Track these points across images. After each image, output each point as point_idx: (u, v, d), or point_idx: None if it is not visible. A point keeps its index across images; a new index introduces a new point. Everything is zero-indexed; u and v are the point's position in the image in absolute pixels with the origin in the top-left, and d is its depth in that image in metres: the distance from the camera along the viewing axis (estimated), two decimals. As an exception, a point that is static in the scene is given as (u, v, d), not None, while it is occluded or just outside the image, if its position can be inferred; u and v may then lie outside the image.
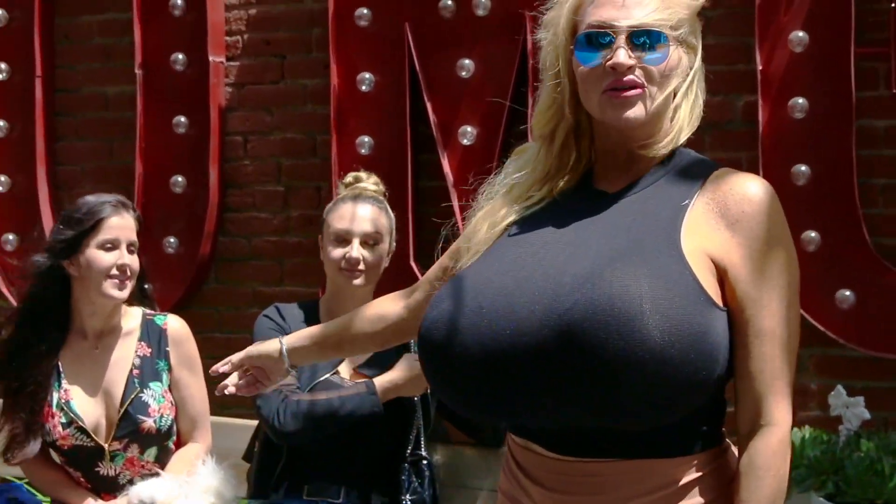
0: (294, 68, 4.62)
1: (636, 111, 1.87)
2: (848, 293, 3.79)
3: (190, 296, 4.66)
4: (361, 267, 3.31)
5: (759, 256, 1.83)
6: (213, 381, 3.53)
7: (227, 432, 3.68)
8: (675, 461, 1.84)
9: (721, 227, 1.85)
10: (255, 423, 3.77)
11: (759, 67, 3.90)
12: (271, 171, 4.64)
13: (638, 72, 1.87)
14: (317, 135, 4.56)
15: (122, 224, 3.30)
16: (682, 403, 1.78)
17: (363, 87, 4.39)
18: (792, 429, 3.31)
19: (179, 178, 4.65)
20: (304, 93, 4.61)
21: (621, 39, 1.86)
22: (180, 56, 4.65)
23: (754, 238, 1.84)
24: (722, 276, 1.83)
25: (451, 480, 3.52)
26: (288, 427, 3.16)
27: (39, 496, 3.58)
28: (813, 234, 3.81)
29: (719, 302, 1.81)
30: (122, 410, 3.27)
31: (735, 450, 1.91)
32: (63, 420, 3.24)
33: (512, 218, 1.97)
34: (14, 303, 4.60)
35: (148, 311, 3.44)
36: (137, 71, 4.69)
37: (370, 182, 3.45)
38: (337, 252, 3.32)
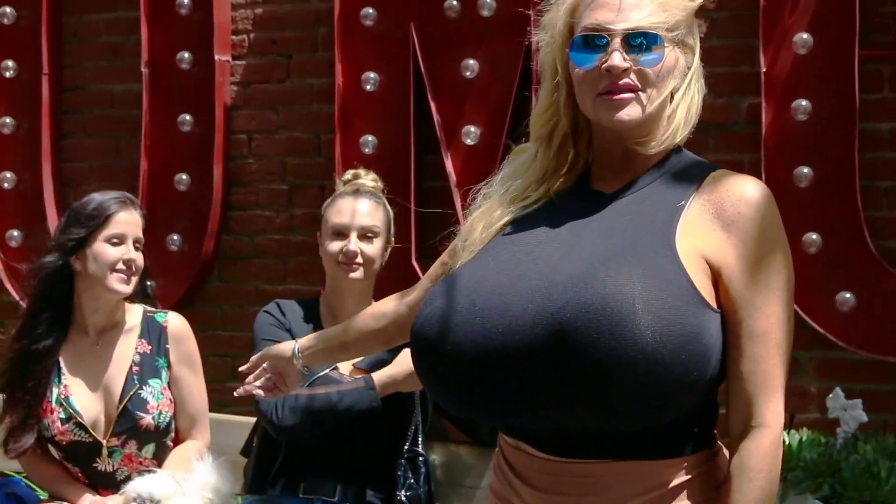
0: (300, 67, 4.63)
1: (630, 113, 1.87)
2: (849, 296, 3.79)
3: (193, 293, 4.67)
4: (359, 260, 3.32)
5: (754, 258, 1.83)
6: (212, 379, 3.57)
7: (226, 429, 3.69)
8: (665, 463, 1.84)
9: (716, 229, 1.84)
10: (253, 420, 3.79)
11: (763, 69, 3.89)
12: (276, 169, 4.65)
13: (633, 74, 1.87)
14: (322, 134, 4.57)
15: (129, 220, 3.33)
16: (673, 404, 1.77)
17: (368, 87, 4.40)
18: (789, 431, 3.35)
19: (184, 176, 4.66)
20: (309, 92, 4.62)
21: (616, 42, 1.86)
22: (186, 55, 4.66)
23: (749, 239, 1.83)
24: (716, 277, 1.83)
25: (447, 479, 3.52)
26: (286, 422, 3.16)
27: (38, 491, 3.59)
28: (815, 236, 3.81)
29: (713, 303, 1.81)
30: (121, 407, 3.28)
31: (727, 452, 1.90)
32: (62, 415, 3.26)
33: (508, 218, 1.97)
34: (17, 298, 4.63)
35: (149, 308, 3.45)
36: (144, 69, 4.71)
37: (368, 178, 3.47)
38: (334, 246, 3.34)
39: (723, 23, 4.04)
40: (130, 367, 3.33)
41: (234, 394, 2.48)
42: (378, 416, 3.21)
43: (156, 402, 3.31)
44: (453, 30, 4.31)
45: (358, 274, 3.33)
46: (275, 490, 3.26)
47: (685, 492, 1.84)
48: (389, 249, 3.47)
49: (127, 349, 3.35)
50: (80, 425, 3.26)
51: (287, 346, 2.36)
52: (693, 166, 1.95)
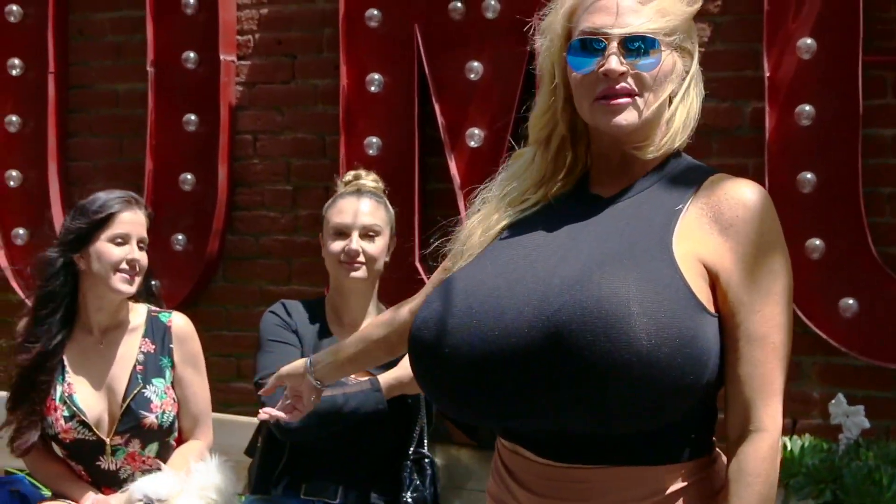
0: (305, 68, 4.64)
1: (627, 117, 1.87)
2: (851, 302, 3.79)
3: (197, 293, 4.68)
4: (361, 259, 3.32)
5: (752, 261, 1.82)
6: (216, 379, 3.58)
7: (229, 429, 3.70)
8: (663, 469, 1.84)
9: (714, 232, 1.84)
10: (257, 420, 3.80)
11: (767, 74, 3.89)
12: (280, 170, 4.66)
13: (630, 78, 1.87)
14: (326, 135, 4.58)
15: (133, 220, 3.33)
16: (669, 407, 1.77)
17: (372, 88, 4.40)
18: (791, 436, 3.35)
19: (189, 176, 4.67)
20: (314, 93, 4.62)
21: (613, 46, 1.86)
22: (192, 54, 4.67)
23: (747, 243, 1.83)
24: (714, 281, 1.82)
25: (449, 482, 3.53)
26: (292, 424, 3.15)
27: (42, 489, 3.60)
28: (817, 241, 3.81)
29: (710, 308, 1.81)
30: (125, 406, 3.29)
31: (725, 459, 1.89)
32: (65, 413, 3.27)
33: (506, 222, 1.98)
34: (23, 296, 4.64)
35: (153, 307, 3.46)
36: (149, 69, 4.71)
37: (369, 179, 3.47)
38: (336, 245, 3.34)
39: (727, 27, 4.04)
40: (134, 367, 3.34)
41: (258, 418, 2.53)
42: (384, 419, 3.21)
43: (159, 401, 3.32)
44: (457, 32, 4.31)
45: (360, 273, 3.33)
46: (277, 490, 3.26)
47: (682, 498, 1.84)
48: (392, 249, 3.47)
49: (131, 348, 3.36)
50: (84, 423, 3.27)
51: (300, 363, 2.39)
52: (691, 170, 1.95)
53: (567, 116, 1.96)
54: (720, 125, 4.01)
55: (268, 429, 3.32)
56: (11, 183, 4.93)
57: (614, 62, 1.85)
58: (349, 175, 3.52)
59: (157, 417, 3.30)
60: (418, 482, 3.30)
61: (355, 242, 3.33)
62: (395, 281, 3.77)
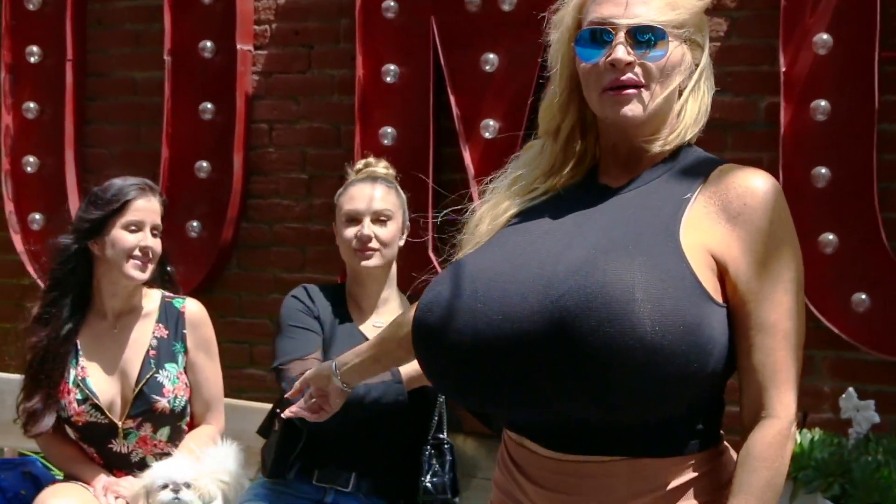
0: (321, 58, 4.65)
1: (633, 109, 1.87)
2: (864, 297, 3.79)
3: (211, 280, 4.70)
4: (374, 245, 3.31)
5: (761, 249, 1.81)
6: (229, 365, 3.60)
7: (241, 415, 3.71)
8: (671, 461, 1.82)
9: (722, 221, 1.83)
10: (269, 406, 3.81)
11: (783, 69, 3.89)
12: (296, 159, 4.68)
13: (637, 69, 1.86)
14: (342, 125, 4.59)
15: (147, 207, 3.35)
16: (672, 396, 1.76)
17: (388, 79, 4.42)
18: (801, 430, 3.35)
19: (204, 164, 4.69)
20: (330, 83, 4.64)
21: (621, 36, 1.86)
22: (209, 43, 4.69)
23: (756, 231, 1.82)
24: (723, 272, 1.81)
25: (460, 471, 3.52)
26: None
27: (53, 471, 3.63)
28: (831, 236, 3.81)
29: (718, 298, 1.79)
30: (137, 390, 3.31)
31: (733, 452, 1.88)
32: (79, 396, 3.29)
33: (514, 210, 1.97)
34: (38, 281, 4.67)
35: (167, 293, 3.48)
36: (166, 57, 4.73)
37: (380, 166, 3.47)
38: (349, 232, 3.34)
39: (743, 22, 4.04)
40: (147, 351, 3.36)
41: (283, 415, 2.51)
42: (403, 408, 3.20)
43: (172, 385, 3.34)
44: (473, 24, 4.32)
45: (373, 261, 3.33)
46: (289, 475, 3.26)
47: (691, 490, 1.83)
48: (406, 234, 3.47)
49: (144, 333, 3.38)
50: (97, 406, 3.29)
51: (325, 366, 2.40)
52: (701, 161, 1.94)
53: (576, 108, 1.96)
54: (735, 119, 4.01)
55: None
56: (28, 169, 4.97)
57: (621, 52, 1.85)
58: (360, 163, 3.53)
59: (168, 402, 3.32)
60: (437, 467, 3.29)
61: (367, 227, 3.32)
62: (410, 272, 3.78)
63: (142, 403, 3.31)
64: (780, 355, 1.81)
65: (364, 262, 3.33)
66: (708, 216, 1.84)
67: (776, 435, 1.81)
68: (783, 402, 1.81)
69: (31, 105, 4.97)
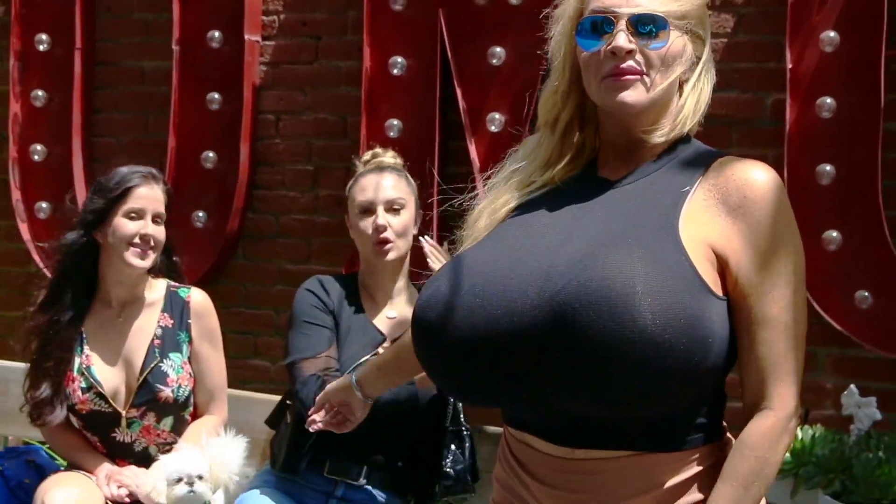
0: (329, 50, 4.66)
1: (634, 95, 1.86)
2: (867, 294, 3.79)
3: (217, 270, 4.72)
4: (390, 235, 3.28)
5: (761, 242, 1.80)
6: (233, 356, 3.61)
7: (245, 405, 3.72)
8: (674, 455, 1.81)
9: (722, 214, 1.82)
10: (273, 397, 3.82)
11: (789, 66, 3.89)
12: (302, 150, 4.69)
13: (638, 57, 1.86)
14: (348, 116, 4.60)
15: (149, 195, 3.35)
16: (674, 390, 1.74)
17: (395, 71, 4.42)
18: (803, 426, 3.35)
19: (211, 154, 4.71)
20: (337, 74, 4.65)
21: (622, 24, 1.86)
22: (217, 34, 4.70)
23: (756, 224, 1.80)
24: (723, 266, 1.80)
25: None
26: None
27: (58, 460, 3.64)
28: (835, 233, 3.81)
29: (718, 291, 1.78)
30: (141, 379, 3.32)
31: None
32: (83, 385, 3.30)
33: (513, 204, 1.97)
34: (45, 269, 4.69)
35: (172, 283, 3.49)
36: (174, 47, 4.74)
37: (388, 156, 3.46)
38: (364, 223, 3.31)
39: (750, 18, 4.04)
40: (152, 340, 3.37)
41: (311, 429, 2.53)
42: (417, 406, 3.19)
43: (176, 375, 3.35)
44: (481, 17, 4.33)
45: (392, 255, 3.29)
46: (301, 465, 3.24)
47: (695, 485, 1.82)
48: (419, 221, 3.44)
49: (149, 322, 3.39)
50: (101, 395, 3.30)
51: (345, 381, 2.41)
52: (700, 153, 1.93)
53: (575, 99, 1.95)
54: (741, 116, 4.01)
55: (297, 408, 3.30)
56: (36, 157, 4.98)
57: (622, 39, 1.85)
58: (367, 154, 3.50)
59: (172, 391, 3.33)
60: (458, 452, 3.28)
61: (381, 217, 3.29)
62: (415, 263, 3.79)
63: (146, 393, 3.32)
64: (781, 349, 1.80)
65: (384, 259, 3.29)
66: (707, 209, 1.83)
67: (771, 427, 1.80)
68: (781, 395, 1.80)
69: (40, 93, 4.98)
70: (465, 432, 3.31)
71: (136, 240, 3.30)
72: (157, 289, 3.45)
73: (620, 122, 1.92)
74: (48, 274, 3.72)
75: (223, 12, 4.71)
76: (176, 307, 3.43)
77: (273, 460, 3.31)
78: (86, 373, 3.31)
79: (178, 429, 3.38)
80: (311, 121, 4.67)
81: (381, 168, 3.39)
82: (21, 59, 5.01)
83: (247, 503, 3.21)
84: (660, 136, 1.90)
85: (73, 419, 3.38)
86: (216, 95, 4.70)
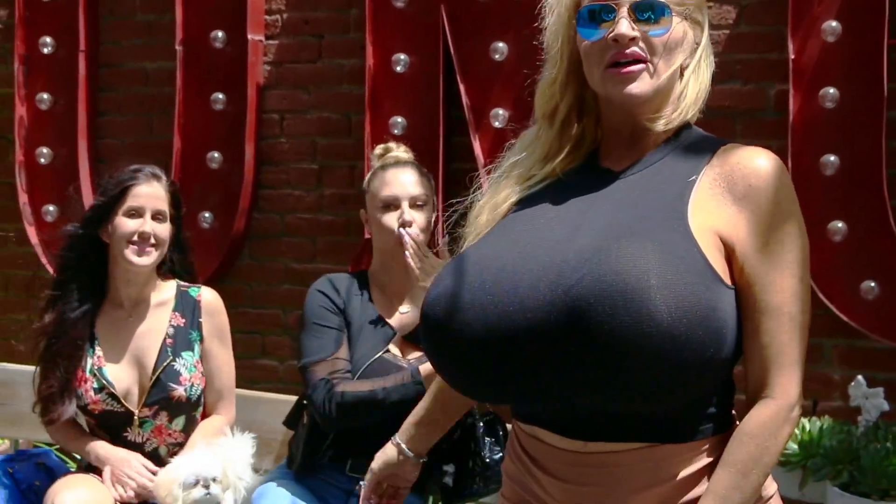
0: (331, 48, 4.67)
1: (640, 86, 1.86)
2: (873, 284, 3.79)
3: (223, 271, 4.73)
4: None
5: (767, 231, 1.79)
6: (240, 356, 3.62)
7: (252, 405, 3.73)
8: (686, 446, 1.81)
9: (728, 203, 1.81)
10: (281, 397, 3.83)
11: (792, 56, 3.89)
12: (306, 149, 4.69)
13: (641, 44, 1.85)
14: (352, 115, 4.60)
15: (148, 193, 3.35)
16: (689, 383, 1.73)
17: (398, 69, 4.43)
18: (811, 418, 3.35)
19: (216, 154, 4.71)
20: (340, 73, 4.65)
21: (623, 11, 1.85)
22: (220, 34, 4.70)
23: (761, 212, 1.80)
24: (730, 253, 1.79)
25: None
26: (333, 417, 3.14)
27: (68, 462, 3.65)
28: (840, 224, 3.80)
29: (727, 280, 1.77)
30: (154, 378, 3.32)
31: None
32: (95, 385, 3.31)
33: (514, 199, 1.95)
34: (52, 272, 4.70)
35: (182, 282, 3.50)
36: (178, 47, 4.75)
37: (401, 150, 3.43)
38: (389, 218, 3.26)
39: (752, 9, 4.04)
40: (164, 340, 3.38)
41: None
42: None
43: (188, 374, 3.36)
44: (483, 12, 4.33)
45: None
46: (322, 460, 3.22)
47: (706, 476, 1.81)
48: (434, 218, 3.41)
49: (161, 322, 3.40)
50: (113, 395, 3.31)
51: (389, 450, 2.35)
52: (703, 141, 1.92)
53: (574, 89, 1.94)
54: (744, 107, 4.01)
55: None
56: (42, 160, 4.99)
57: (625, 26, 1.84)
58: (380, 148, 3.46)
59: (185, 390, 3.34)
60: (492, 442, 3.25)
61: (408, 213, 3.25)
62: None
63: (158, 391, 3.32)
64: (784, 338, 1.79)
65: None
66: (714, 197, 1.82)
67: (772, 415, 1.80)
68: (783, 384, 1.80)
69: (45, 96, 4.99)
70: (497, 423, 3.26)
71: (135, 237, 3.31)
72: (167, 289, 3.46)
73: (623, 111, 1.91)
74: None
75: (226, 12, 4.71)
76: (187, 306, 3.44)
77: (290, 459, 3.31)
78: (97, 373, 3.32)
79: (189, 429, 3.39)
80: (315, 120, 4.68)
81: (402, 163, 3.36)
82: (25, 62, 5.03)
83: (265, 495, 3.21)
84: (664, 125, 1.89)
85: (85, 419, 3.39)
86: (220, 95, 4.71)
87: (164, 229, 3.37)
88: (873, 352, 3.86)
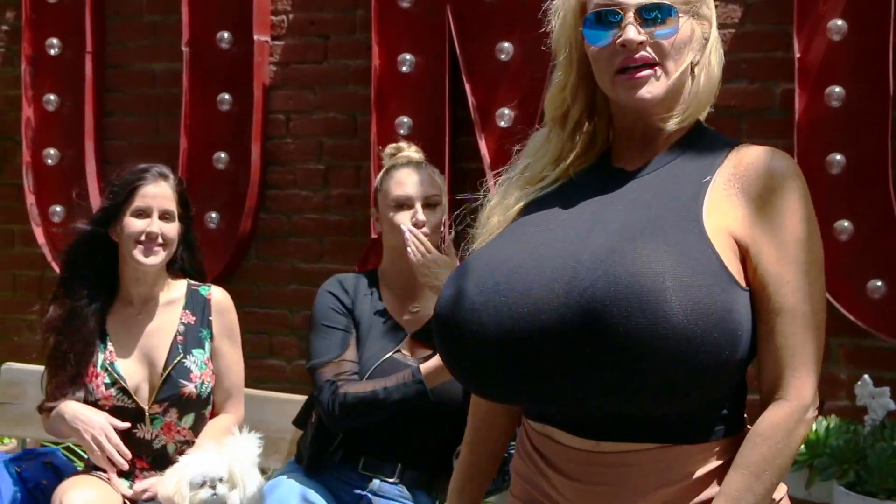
0: (337, 49, 4.68)
1: (650, 89, 1.85)
2: (879, 283, 3.79)
3: (230, 271, 4.74)
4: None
5: (781, 232, 1.78)
6: (247, 356, 3.63)
7: (259, 405, 3.72)
8: (699, 447, 1.80)
9: (742, 203, 1.80)
10: (288, 396, 3.84)
11: (797, 55, 3.89)
12: (313, 149, 4.70)
13: (649, 48, 1.84)
14: (358, 115, 4.61)
15: (156, 192, 3.37)
16: (704, 385, 1.72)
17: (404, 69, 4.43)
18: (817, 418, 3.34)
19: (222, 155, 4.72)
20: (346, 73, 4.66)
21: (630, 16, 1.84)
22: (226, 34, 4.72)
23: (776, 213, 1.78)
24: (744, 254, 1.78)
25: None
26: (338, 418, 3.14)
27: (76, 462, 3.65)
28: (846, 223, 3.81)
29: (742, 281, 1.76)
30: (165, 374, 3.33)
31: None
32: (107, 380, 3.32)
33: (525, 200, 1.94)
34: (59, 271, 4.72)
35: (193, 281, 3.51)
36: (184, 48, 4.76)
37: (412, 150, 3.44)
38: (399, 216, 3.25)
39: (757, 8, 4.04)
40: (175, 337, 3.39)
41: None
42: (433, 404, 3.14)
43: (199, 371, 3.37)
44: (489, 12, 4.34)
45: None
46: (334, 458, 3.22)
47: (716, 479, 1.80)
48: (445, 218, 3.40)
49: (171, 319, 3.41)
50: (124, 391, 3.32)
51: None
52: (716, 141, 1.91)
53: (585, 92, 1.93)
54: (750, 106, 4.01)
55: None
56: (49, 161, 5.01)
57: (632, 32, 1.83)
58: (391, 148, 3.44)
59: (196, 387, 3.35)
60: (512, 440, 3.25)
61: (421, 213, 3.25)
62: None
63: (169, 388, 3.33)
64: (798, 339, 1.78)
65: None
66: (728, 198, 1.81)
67: (786, 417, 1.78)
68: (797, 385, 1.78)
69: (52, 97, 5.01)
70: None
71: (143, 238, 3.33)
72: (177, 287, 3.48)
73: (635, 113, 1.90)
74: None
75: (232, 13, 4.72)
76: (197, 305, 3.45)
77: (299, 457, 3.32)
78: (109, 368, 3.33)
79: (198, 427, 3.39)
80: (321, 120, 4.69)
81: (415, 163, 3.36)
82: (33, 63, 5.04)
83: (276, 487, 3.21)
84: (676, 123, 1.88)
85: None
86: (226, 96, 4.72)
87: (171, 229, 3.38)
88: (880, 351, 3.86)
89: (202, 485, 3.11)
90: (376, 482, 3.21)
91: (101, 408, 3.33)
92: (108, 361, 3.34)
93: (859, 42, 3.83)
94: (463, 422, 3.24)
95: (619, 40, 1.84)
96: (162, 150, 4.76)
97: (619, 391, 1.72)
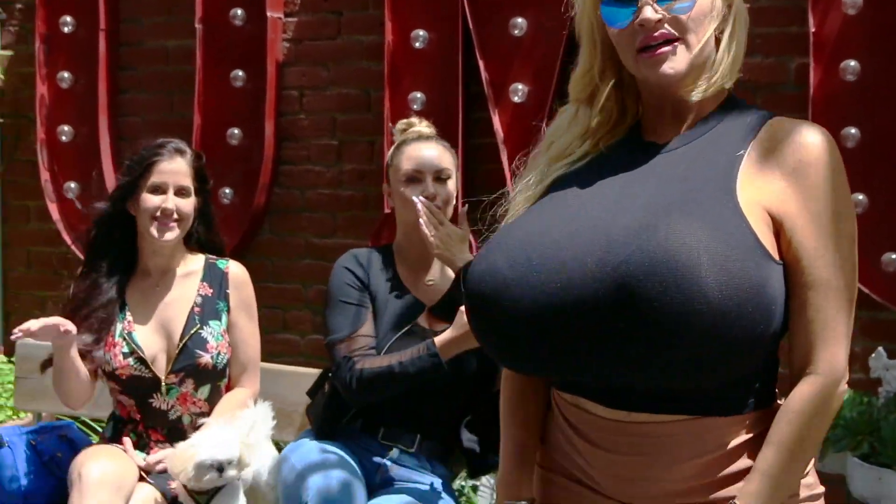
0: (350, 24, 4.68)
1: (673, 65, 1.83)
2: (894, 256, 3.79)
3: (244, 246, 4.75)
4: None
5: (815, 206, 1.77)
6: (261, 330, 3.64)
7: (273, 378, 3.73)
8: (728, 420, 1.79)
9: (776, 177, 1.79)
10: (302, 370, 3.85)
11: (812, 30, 3.88)
12: (326, 125, 4.71)
13: (668, 24, 1.82)
14: (371, 91, 4.62)
15: (171, 168, 3.38)
16: (738, 360, 1.72)
17: (417, 45, 4.43)
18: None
19: (236, 131, 4.73)
20: (359, 49, 4.66)
21: None
22: (239, 11, 4.72)
23: (811, 187, 1.77)
24: (778, 228, 1.77)
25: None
26: (355, 393, 3.15)
27: (91, 435, 3.67)
28: (860, 196, 3.80)
29: (776, 255, 1.76)
30: (182, 344, 3.35)
31: None
32: (125, 350, 3.34)
33: (555, 175, 1.92)
34: (74, 248, 4.74)
35: (210, 255, 3.53)
36: (198, 25, 4.77)
37: (423, 126, 3.44)
38: (411, 191, 3.25)
39: (773, -17, 4.03)
40: (192, 308, 3.40)
41: None
42: (451, 377, 3.15)
43: (216, 342, 3.39)
44: (502, -12, 4.34)
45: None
46: (354, 426, 3.24)
47: (746, 452, 1.80)
48: (457, 192, 3.40)
49: (189, 291, 3.43)
50: (141, 360, 3.34)
51: None
52: (749, 114, 1.89)
53: (613, 71, 1.92)
54: (765, 81, 4.01)
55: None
56: (63, 138, 5.03)
57: (648, 11, 1.82)
58: (402, 123, 3.44)
59: (212, 357, 3.36)
60: None
61: (431, 186, 3.26)
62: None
63: (186, 358, 3.35)
64: (830, 313, 1.77)
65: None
66: (762, 172, 1.80)
67: (818, 391, 1.78)
68: (829, 360, 1.77)
69: (66, 75, 5.02)
70: None
71: (158, 213, 3.34)
72: (195, 261, 3.50)
73: (662, 88, 1.89)
74: (77, 252, 3.73)
75: (245, -10, 4.73)
76: (215, 278, 3.47)
77: (312, 424, 3.34)
78: (127, 338, 3.35)
79: (214, 399, 3.41)
80: (334, 96, 4.69)
81: (426, 137, 3.37)
82: (46, 41, 5.06)
83: (296, 449, 3.22)
84: (701, 93, 1.86)
85: (112, 384, 3.41)
86: (240, 73, 4.73)
87: (186, 204, 3.39)
88: (894, 324, 3.86)
89: (210, 466, 3.13)
90: (396, 451, 3.23)
91: (118, 377, 3.36)
92: (126, 331, 3.37)
93: (874, 16, 3.82)
94: (476, 393, 3.28)
95: (636, 21, 1.83)
96: (176, 127, 4.76)
97: (653, 366, 1.71)
